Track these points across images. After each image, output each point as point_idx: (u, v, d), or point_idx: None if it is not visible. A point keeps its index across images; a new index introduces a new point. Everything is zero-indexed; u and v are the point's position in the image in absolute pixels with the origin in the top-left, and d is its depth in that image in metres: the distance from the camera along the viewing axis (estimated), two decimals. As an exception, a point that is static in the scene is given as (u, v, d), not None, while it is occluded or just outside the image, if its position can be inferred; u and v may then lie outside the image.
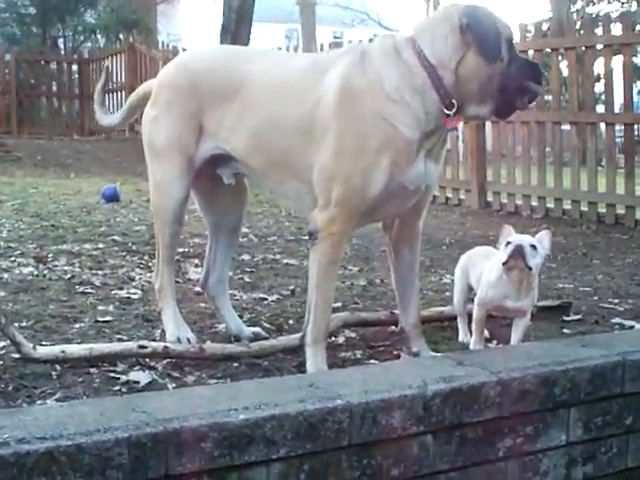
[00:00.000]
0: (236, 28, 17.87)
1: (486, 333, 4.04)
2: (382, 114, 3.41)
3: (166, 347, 3.67)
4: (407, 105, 3.42)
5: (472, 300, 4.06)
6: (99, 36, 24.34)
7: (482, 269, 3.95)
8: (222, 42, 17.38)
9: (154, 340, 3.90)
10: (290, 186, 3.73)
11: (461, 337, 4.16)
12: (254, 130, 3.75)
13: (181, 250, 6.26)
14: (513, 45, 3.52)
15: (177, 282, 4.96)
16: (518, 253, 3.63)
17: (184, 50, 16.57)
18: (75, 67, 21.55)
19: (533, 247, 3.65)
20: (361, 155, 3.42)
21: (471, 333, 3.97)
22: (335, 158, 3.46)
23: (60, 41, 25.09)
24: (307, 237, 3.62)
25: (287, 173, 3.70)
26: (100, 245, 6.72)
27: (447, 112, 3.45)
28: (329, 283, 3.60)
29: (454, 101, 3.45)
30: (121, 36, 22.42)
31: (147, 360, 3.63)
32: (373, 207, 3.50)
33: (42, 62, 21.40)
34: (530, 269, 3.65)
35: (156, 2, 25.93)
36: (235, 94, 3.81)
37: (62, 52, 23.91)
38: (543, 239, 3.74)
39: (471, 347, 3.92)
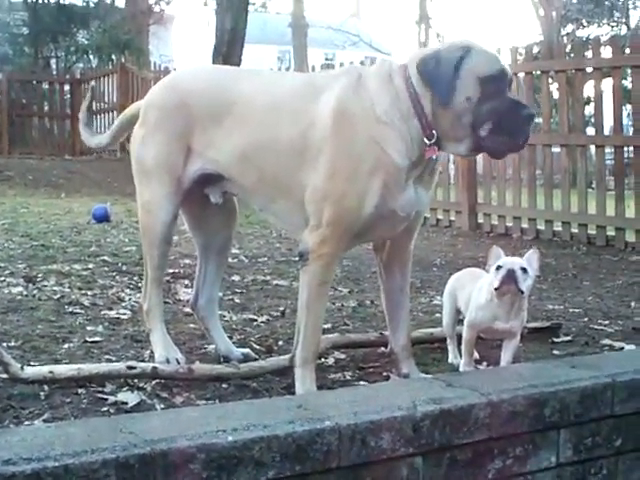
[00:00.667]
0: (228, 49, 17.92)
1: (476, 354, 4.04)
2: (374, 137, 3.43)
3: (155, 368, 3.66)
4: (397, 129, 3.43)
5: (461, 322, 4.06)
6: (91, 56, 24.38)
7: (470, 291, 3.94)
8: (214, 63, 17.42)
9: (143, 361, 3.89)
10: (280, 205, 3.72)
11: (451, 359, 4.15)
12: (245, 149, 3.74)
13: (171, 271, 6.25)
14: (492, 84, 3.40)
15: (167, 303, 4.96)
16: (510, 278, 3.62)
17: (175, 71, 16.62)
18: (67, 87, 21.58)
19: (524, 270, 3.64)
20: (353, 177, 3.42)
21: (461, 355, 3.97)
22: (328, 179, 3.46)
23: (52, 61, 25.15)
24: (297, 258, 3.61)
25: (278, 192, 3.69)
26: (90, 265, 6.70)
27: (426, 141, 3.45)
28: (319, 304, 3.59)
29: (434, 132, 3.45)
30: (113, 57, 22.47)
31: (136, 381, 3.61)
32: (364, 229, 3.50)
33: (34, 82, 21.44)
34: (522, 292, 3.65)
35: (148, 23, 25.99)
36: (225, 114, 3.80)
37: (54, 72, 23.96)
38: (531, 260, 3.73)
39: (461, 369, 3.90)
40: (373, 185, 3.41)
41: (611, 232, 9.41)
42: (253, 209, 4.00)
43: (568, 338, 4.67)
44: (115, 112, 18.22)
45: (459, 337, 4.07)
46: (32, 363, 3.80)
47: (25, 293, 5.52)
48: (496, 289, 3.66)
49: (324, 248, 3.48)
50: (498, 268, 3.67)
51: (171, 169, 3.91)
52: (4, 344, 4.07)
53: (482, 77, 3.38)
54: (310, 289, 3.54)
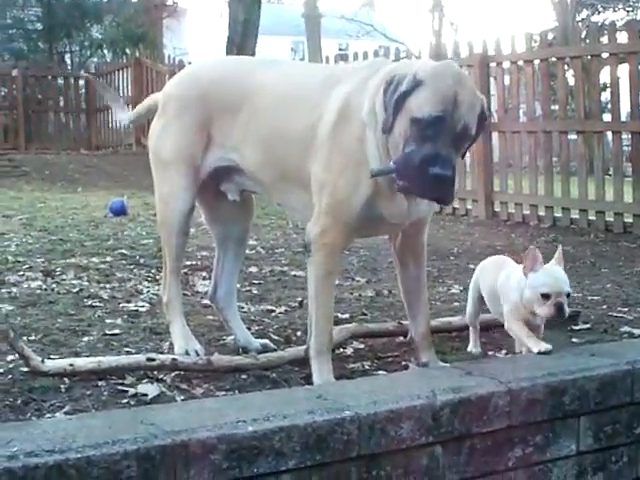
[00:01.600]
0: (242, 41, 17.93)
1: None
2: (360, 138, 3.44)
3: (174, 360, 3.67)
4: (374, 136, 3.40)
5: (485, 311, 4.04)
6: (105, 51, 24.43)
7: (493, 280, 3.91)
8: (228, 55, 17.42)
9: (162, 353, 3.90)
10: (298, 197, 3.73)
11: (470, 347, 4.14)
12: (263, 140, 3.76)
13: (189, 263, 6.26)
14: (421, 127, 3.22)
15: (185, 295, 4.97)
16: (558, 311, 3.61)
17: (190, 64, 16.62)
18: (82, 82, 21.59)
19: (568, 295, 3.65)
20: (344, 171, 3.44)
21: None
22: (324, 171, 3.50)
23: (67, 56, 25.21)
24: (303, 249, 3.62)
25: (295, 184, 3.70)
26: (108, 259, 6.72)
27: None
28: (327, 295, 3.60)
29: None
30: (127, 50, 22.49)
31: (155, 373, 3.62)
32: (361, 219, 3.49)
33: (49, 77, 21.45)
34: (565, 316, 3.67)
35: (162, 16, 25.99)
36: (244, 104, 3.82)
37: (69, 67, 24.01)
38: (561, 259, 3.76)
39: (536, 350, 3.67)
40: (360, 183, 3.42)
41: (629, 219, 9.37)
42: (271, 202, 4.01)
43: (587, 326, 4.65)
44: (130, 106, 18.24)
45: (481, 327, 4.07)
46: (52, 356, 3.82)
47: (44, 287, 5.54)
48: (544, 315, 3.65)
49: (325, 238, 3.50)
50: (545, 296, 3.61)
51: (189, 160, 3.92)
52: (24, 338, 4.09)
53: (414, 118, 3.24)
54: (317, 280, 3.55)
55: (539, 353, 3.64)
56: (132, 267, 6.38)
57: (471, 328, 4.17)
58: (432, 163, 3.17)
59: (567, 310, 3.62)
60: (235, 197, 4.05)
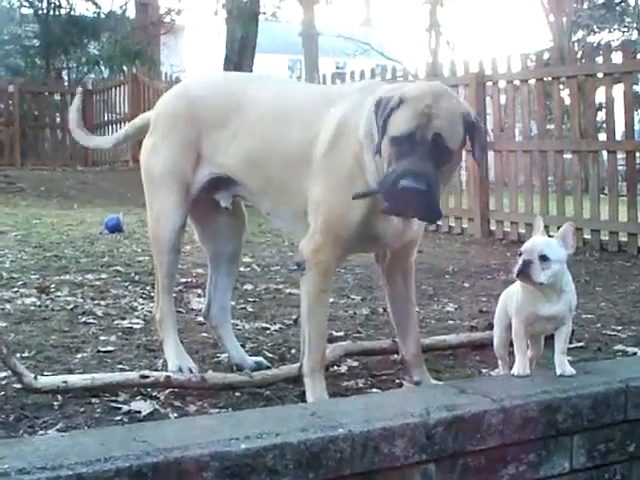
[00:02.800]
0: (239, 59, 18.01)
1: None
2: (357, 156, 3.45)
3: (168, 377, 3.67)
4: (370, 156, 3.41)
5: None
6: (102, 67, 24.45)
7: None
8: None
9: (156, 370, 3.90)
10: (286, 211, 3.75)
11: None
12: (253, 153, 3.78)
13: (183, 280, 6.26)
14: (397, 145, 3.23)
15: (179, 312, 4.97)
16: (525, 270, 3.44)
17: (186, 81, 16.64)
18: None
19: (543, 258, 3.44)
20: (340, 189, 3.44)
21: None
22: (320, 189, 3.51)
23: (64, 72, 25.20)
24: (295, 267, 3.63)
25: (284, 198, 3.72)
26: (103, 275, 6.72)
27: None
28: (320, 313, 3.60)
29: None
30: (124, 67, 22.52)
31: (149, 390, 3.62)
32: (355, 237, 3.50)
33: (46, 93, 21.49)
34: (541, 284, 3.45)
35: (159, 33, 26.06)
36: (233, 118, 3.84)
37: (66, 83, 23.99)
38: (566, 235, 3.53)
39: (515, 372, 3.60)
40: (356, 202, 3.41)
41: (624, 238, 9.39)
42: (260, 210, 4.01)
43: (581, 344, 4.66)
44: (126, 122, 18.23)
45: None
46: (46, 373, 3.81)
47: (38, 303, 5.54)
48: (516, 277, 3.51)
49: (319, 256, 3.51)
50: (520, 254, 3.50)
51: (180, 176, 3.93)
52: (18, 354, 4.08)
53: (392, 137, 3.26)
54: (309, 298, 3.56)
55: (512, 374, 3.60)
56: (127, 284, 6.38)
57: (500, 362, 3.88)
58: (403, 176, 3.16)
59: (538, 273, 3.42)
60: (227, 204, 4.05)
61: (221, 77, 4.56)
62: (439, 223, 10.93)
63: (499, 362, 3.88)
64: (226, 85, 4.05)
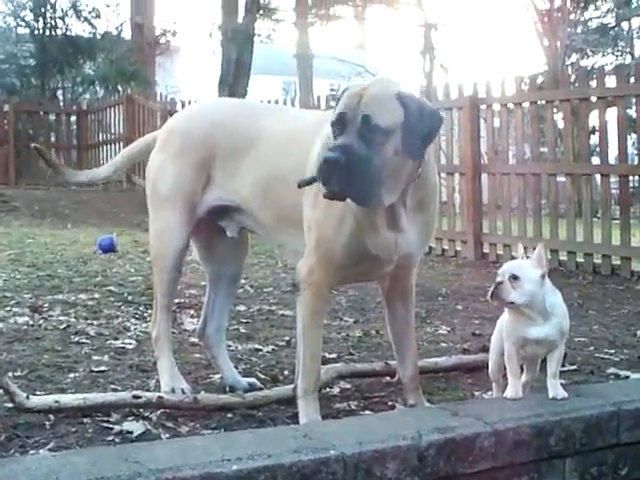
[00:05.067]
0: (234, 80, 18.05)
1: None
2: None
3: (160, 397, 3.66)
4: None
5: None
6: (98, 87, 24.48)
7: None
8: (220, 94, 17.52)
9: (148, 390, 3.89)
10: (299, 240, 3.70)
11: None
12: (263, 182, 3.79)
13: (177, 301, 6.24)
14: (335, 127, 3.28)
15: (172, 333, 4.95)
16: (494, 294, 3.50)
17: (182, 102, 16.68)
18: (74, 118, 21.62)
19: (514, 277, 3.49)
20: (329, 207, 3.44)
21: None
22: (312, 209, 3.52)
23: (59, 92, 25.21)
24: (292, 289, 3.63)
25: (294, 226, 3.71)
26: (96, 295, 6.72)
27: None
28: (315, 335, 3.60)
29: None
30: (120, 88, 22.56)
31: (141, 410, 3.62)
32: (347, 257, 3.49)
33: (41, 113, 21.47)
34: (512, 304, 3.49)
35: (154, 54, 26.10)
36: (248, 147, 3.86)
37: (61, 103, 24.00)
38: (538, 257, 3.58)
39: (507, 395, 3.60)
40: (344, 219, 3.43)
41: (617, 261, 9.40)
42: (273, 243, 4.01)
43: (574, 367, 4.66)
44: (121, 143, 18.26)
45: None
46: (38, 392, 3.81)
47: (31, 323, 5.53)
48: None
49: (313, 277, 3.51)
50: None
51: (187, 196, 3.94)
52: (10, 374, 4.08)
53: (330, 122, 3.34)
54: (304, 319, 3.57)
55: (505, 397, 3.60)
56: (120, 304, 6.37)
57: (494, 385, 3.87)
58: (325, 152, 3.21)
59: (508, 294, 3.47)
60: (234, 234, 4.06)
61: (238, 104, 4.56)
62: (432, 245, 10.92)
63: (493, 385, 3.88)
64: (242, 113, 4.07)
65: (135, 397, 3.62)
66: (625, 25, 32.81)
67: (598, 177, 10.15)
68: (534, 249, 3.66)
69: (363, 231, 3.43)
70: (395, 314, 3.83)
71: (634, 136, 10.08)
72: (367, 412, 3.77)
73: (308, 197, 3.54)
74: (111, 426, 3.40)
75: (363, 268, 3.64)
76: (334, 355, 4.86)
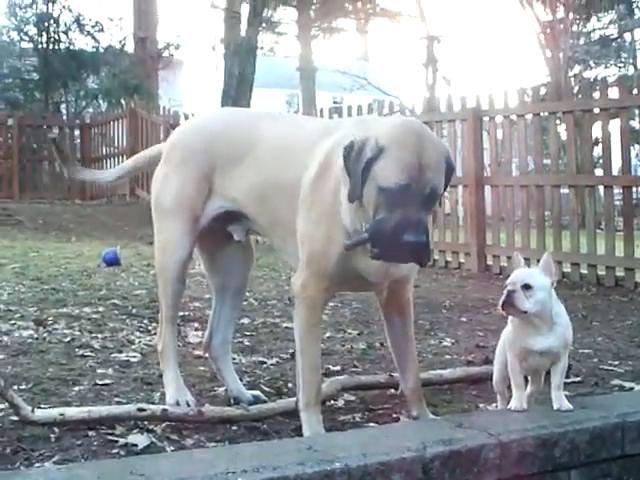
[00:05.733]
0: (237, 93, 18.05)
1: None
2: (336, 193, 3.45)
3: (165, 410, 3.66)
4: (345, 192, 3.38)
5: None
6: (101, 101, 24.54)
7: None
8: (223, 107, 17.51)
9: (153, 403, 3.89)
10: (292, 245, 3.73)
11: None
12: (261, 190, 3.80)
13: (181, 314, 6.23)
14: (389, 196, 3.21)
15: (177, 345, 4.96)
16: (509, 300, 3.50)
17: (185, 115, 16.71)
18: (77, 132, 21.67)
19: (527, 287, 3.51)
20: (321, 222, 3.46)
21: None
22: (305, 222, 3.54)
23: (62, 106, 25.29)
24: (288, 302, 3.64)
25: (288, 232, 3.72)
26: (100, 308, 6.72)
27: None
28: (313, 346, 3.61)
29: None
30: (123, 101, 22.60)
31: (146, 423, 3.61)
32: (338, 272, 3.49)
33: (44, 127, 21.52)
34: (525, 313, 3.50)
35: (157, 68, 26.15)
36: (246, 156, 3.87)
37: (64, 117, 24.08)
38: (547, 265, 3.61)
39: (512, 406, 3.60)
40: (336, 236, 3.43)
41: (620, 272, 9.39)
42: (273, 246, 4.03)
43: (578, 379, 4.65)
44: (124, 156, 18.28)
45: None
46: (42, 406, 3.80)
47: (35, 336, 5.54)
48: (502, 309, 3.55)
49: (307, 290, 3.53)
50: (505, 287, 3.56)
51: (190, 207, 3.96)
52: (15, 387, 4.08)
53: (380, 187, 3.24)
54: (301, 332, 3.59)
55: (509, 409, 3.60)
56: (124, 317, 6.38)
57: (499, 396, 3.86)
58: (405, 230, 3.16)
59: (522, 302, 3.48)
60: (241, 238, 4.08)
61: (235, 113, 4.58)
62: (436, 257, 10.96)
63: (497, 397, 3.88)
64: (243, 123, 4.08)
65: (140, 410, 3.62)
66: (628, 36, 32.83)
67: (601, 188, 10.16)
68: (538, 261, 3.67)
69: (354, 255, 3.42)
70: (394, 327, 3.84)
71: (637, 147, 10.09)
72: (371, 424, 3.77)
73: (300, 210, 3.56)
74: (116, 439, 3.40)
75: (357, 283, 3.67)
76: (338, 367, 4.86)
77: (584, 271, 9.73)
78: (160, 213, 4.08)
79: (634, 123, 11.74)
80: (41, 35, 24.51)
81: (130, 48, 26.09)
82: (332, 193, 3.46)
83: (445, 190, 3.43)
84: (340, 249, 3.42)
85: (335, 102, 42.57)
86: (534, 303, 3.51)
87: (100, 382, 4.39)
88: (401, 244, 3.17)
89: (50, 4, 24.57)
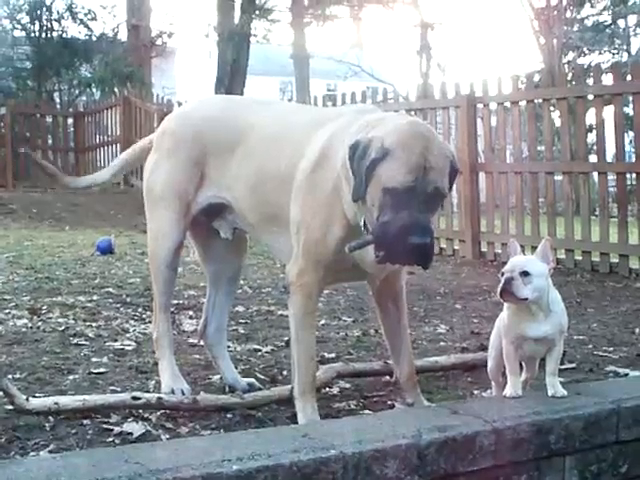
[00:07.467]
0: (230, 81, 18.05)
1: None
2: (335, 185, 3.44)
3: (160, 398, 3.66)
4: (348, 188, 3.37)
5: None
6: (94, 89, 24.47)
7: None
8: (216, 94, 17.48)
9: (148, 392, 3.89)
10: (285, 239, 3.72)
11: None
12: (252, 179, 3.79)
13: (175, 302, 6.24)
14: (394, 196, 3.19)
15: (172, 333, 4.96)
16: (507, 287, 3.49)
17: (179, 103, 16.67)
18: (70, 120, 21.61)
19: (525, 274, 3.49)
20: (319, 211, 3.46)
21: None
22: (301, 211, 3.52)
23: (56, 95, 25.23)
24: (284, 290, 3.64)
25: (281, 225, 3.71)
26: (94, 297, 6.71)
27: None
28: (308, 334, 3.61)
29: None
30: (116, 89, 22.54)
31: (140, 411, 3.62)
32: (334, 261, 3.49)
33: (38, 115, 21.44)
34: (525, 300, 3.50)
35: (151, 56, 26.08)
36: (238, 142, 3.86)
37: (57, 105, 24.01)
38: (545, 251, 3.61)
39: (507, 393, 3.60)
40: (334, 224, 3.44)
41: (615, 259, 9.40)
42: (261, 243, 4.02)
43: (573, 365, 4.66)
44: (118, 145, 18.26)
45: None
46: (37, 394, 3.81)
47: (30, 325, 5.53)
48: (500, 297, 3.55)
49: (302, 278, 3.53)
50: (502, 274, 3.55)
51: (181, 194, 3.96)
52: (9, 376, 4.08)
53: (386, 188, 3.20)
54: (296, 320, 3.59)
55: (504, 396, 3.60)
56: (119, 306, 6.37)
57: (494, 383, 3.89)
58: (411, 232, 3.15)
59: (520, 289, 3.47)
60: (227, 235, 4.07)
61: (226, 100, 4.56)
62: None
63: (492, 384, 3.90)
64: (230, 109, 4.07)
65: (134, 398, 3.62)
66: (621, 23, 32.82)
67: (595, 175, 10.16)
68: (532, 248, 3.67)
69: (348, 240, 3.40)
70: (387, 314, 3.85)
71: (631, 134, 10.04)
72: (366, 411, 3.78)
73: (296, 199, 3.55)
74: (111, 427, 3.41)
75: (352, 273, 3.66)
76: (333, 355, 4.86)
77: (578, 257, 9.74)
78: (151, 201, 4.08)
79: (628, 109, 11.69)
80: (34, 23, 24.46)
81: (123, 36, 26.03)
82: (330, 182, 3.45)
83: (450, 191, 3.44)
84: (337, 238, 3.42)
85: (329, 90, 42.51)
86: (532, 290, 3.50)
87: (95, 371, 4.39)
88: (406, 246, 3.17)
89: (43, -8, 24.53)
